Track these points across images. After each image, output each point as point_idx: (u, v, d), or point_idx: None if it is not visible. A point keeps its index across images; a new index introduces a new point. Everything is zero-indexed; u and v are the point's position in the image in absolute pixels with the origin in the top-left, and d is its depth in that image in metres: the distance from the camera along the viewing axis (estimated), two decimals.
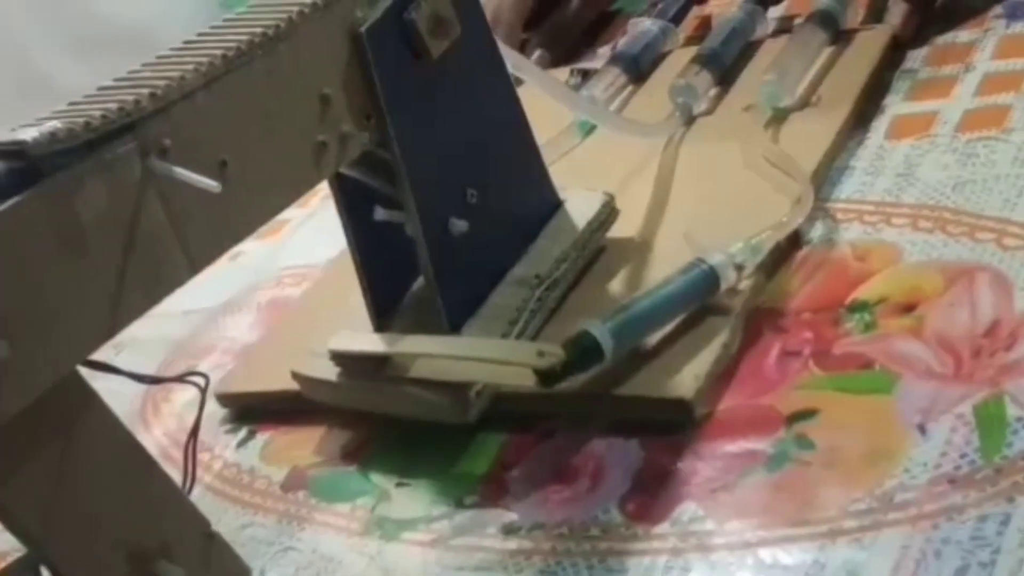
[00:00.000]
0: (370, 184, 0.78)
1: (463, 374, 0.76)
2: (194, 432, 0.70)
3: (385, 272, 0.83)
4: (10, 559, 0.62)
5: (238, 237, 0.67)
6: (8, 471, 0.58)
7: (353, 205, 0.80)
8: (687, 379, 0.73)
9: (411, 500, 0.77)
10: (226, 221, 0.65)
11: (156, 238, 0.60)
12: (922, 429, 0.65)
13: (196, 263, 0.63)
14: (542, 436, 0.77)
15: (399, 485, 0.78)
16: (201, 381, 0.69)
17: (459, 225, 0.78)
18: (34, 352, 0.55)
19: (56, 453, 0.59)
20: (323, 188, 1.10)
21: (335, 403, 0.83)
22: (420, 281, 0.84)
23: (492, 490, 0.75)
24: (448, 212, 0.78)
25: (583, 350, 0.72)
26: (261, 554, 0.69)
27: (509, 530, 0.71)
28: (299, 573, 0.75)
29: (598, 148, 1.00)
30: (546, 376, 0.71)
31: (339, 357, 0.80)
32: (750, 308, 0.78)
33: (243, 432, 0.90)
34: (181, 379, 0.69)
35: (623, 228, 0.87)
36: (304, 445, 0.85)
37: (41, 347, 0.55)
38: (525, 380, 0.72)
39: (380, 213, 0.80)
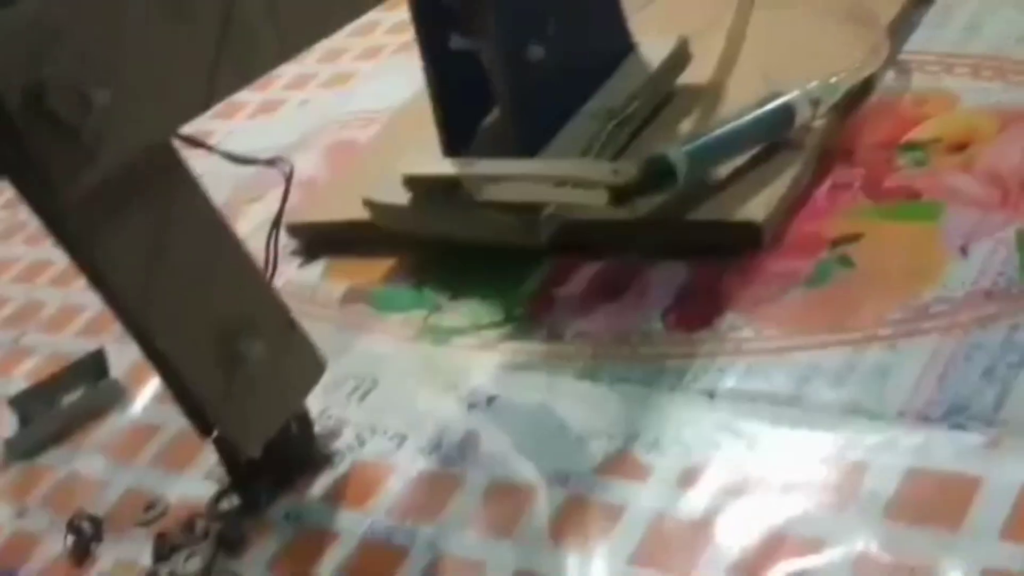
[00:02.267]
0: (450, 5, 0.78)
1: (535, 195, 0.77)
2: (276, 222, 0.71)
3: (459, 104, 0.83)
4: None
5: (327, 31, 0.67)
6: (104, 233, 0.59)
7: (431, 33, 0.81)
8: (759, 205, 0.73)
9: (462, 311, 0.79)
10: (319, 13, 0.65)
11: (254, 18, 0.61)
12: (963, 251, 0.66)
13: (286, 49, 0.64)
14: (593, 260, 0.78)
15: (452, 299, 0.81)
16: (287, 168, 0.70)
17: (536, 51, 0.78)
18: (134, 106, 0.56)
19: (150, 222, 0.61)
20: (392, 43, 1.17)
21: (404, 229, 0.84)
22: (492, 116, 0.85)
23: (540, 304, 0.77)
24: (527, 38, 0.78)
25: (657, 170, 0.73)
26: (330, 355, 0.70)
27: (553, 337, 0.73)
28: (354, 370, 0.78)
29: (674, 2, 0.99)
30: (619, 194, 0.72)
31: (412, 182, 0.81)
32: (821, 145, 0.78)
33: (307, 257, 0.92)
34: (270, 163, 0.70)
35: (696, 75, 0.87)
36: (365, 268, 0.88)
37: (141, 103, 0.56)
38: (597, 200, 0.73)
39: (457, 41, 0.80)
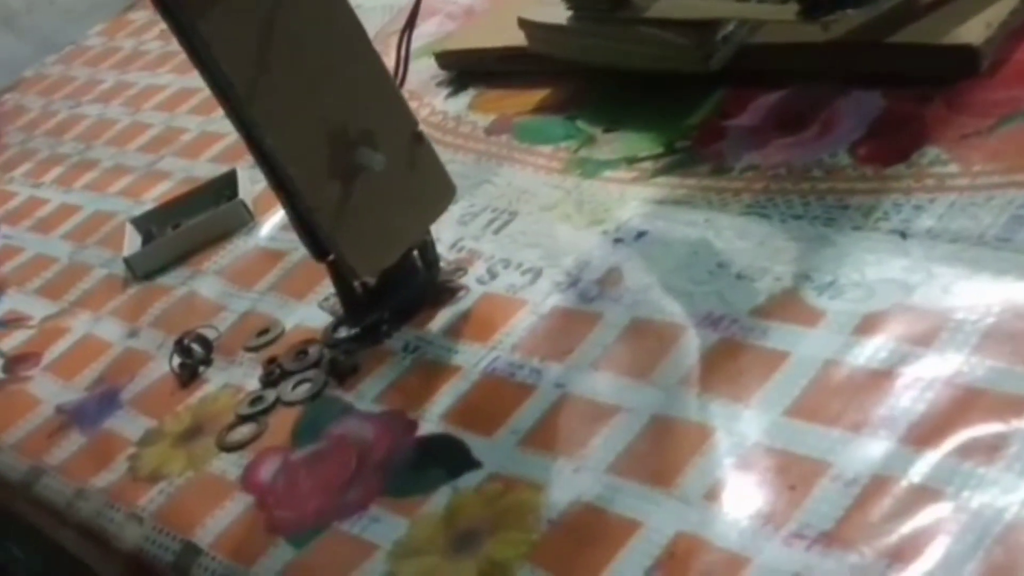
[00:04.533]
0: None
1: (713, 10, 0.69)
2: (410, 23, 0.64)
3: None
4: None
5: None
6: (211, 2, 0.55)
7: None
8: (977, 26, 0.63)
9: (617, 144, 0.72)
10: None
11: None
12: None
13: None
14: (772, 89, 0.70)
15: (607, 131, 0.74)
16: None
17: None
18: None
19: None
20: None
21: (560, 53, 0.77)
22: None
23: (706, 137, 0.69)
24: None
25: None
26: (458, 185, 0.66)
27: (719, 170, 0.66)
28: (492, 202, 0.72)
29: None
30: (812, 7, 0.63)
31: None
32: None
33: (455, 86, 0.86)
34: None
35: None
36: (514, 98, 0.81)
37: None
38: (785, 15, 0.65)
39: None
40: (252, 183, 0.85)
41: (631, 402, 0.54)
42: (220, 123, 0.90)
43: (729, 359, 0.53)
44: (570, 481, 0.51)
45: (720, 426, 0.50)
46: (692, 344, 0.55)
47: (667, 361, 0.55)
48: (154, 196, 0.91)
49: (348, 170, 0.60)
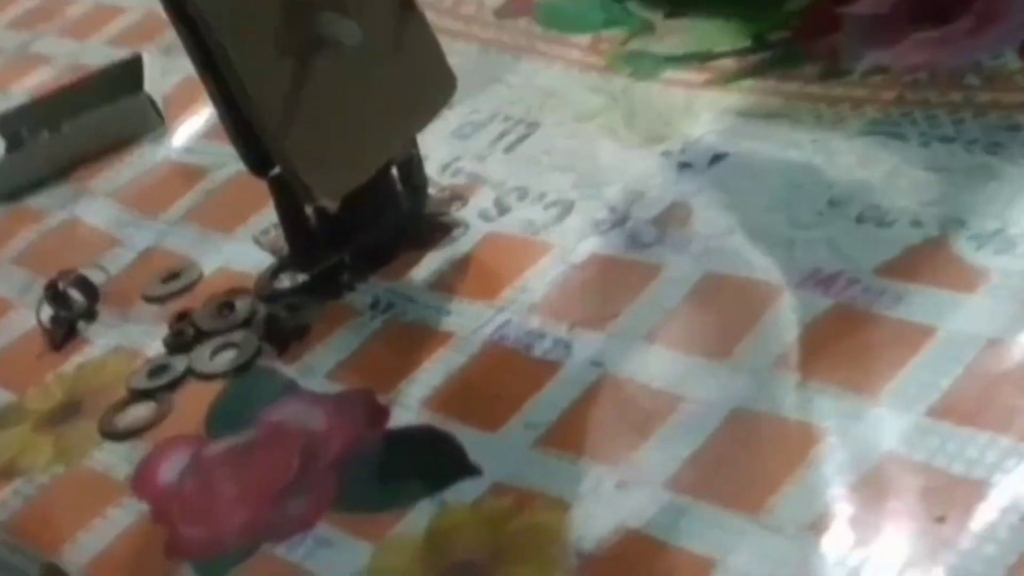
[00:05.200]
0: None
1: None
2: None
3: None
4: None
5: None
6: None
7: None
8: None
9: (685, 33, 0.72)
10: None
11: None
12: None
13: None
14: None
15: (670, 15, 0.74)
16: None
17: None
18: None
19: None
20: None
21: None
22: None
23: (814, 27, 0.69)
24: None
25: None
26: (460, 86, 0.66)
27: (832, 73, 0.66)
28: (503, 108, 0.72)
29: None
30: None
31: None
32: None
33: None
34: None
35: None
36: None
37: None
38: None
39: None
40: (164, 74, 0.85)
41: (702, 390, 0.53)
42: None
43: (846, 334, 0.52)
44: (612, 499, 0.50)
45: (833, 428, 0.49)
46: (791, 312, 0.54)
47: (755, 334, 0.54)
48: (26, 88, 0.91)
49: (306, 44, 0.60)
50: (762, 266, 0.56)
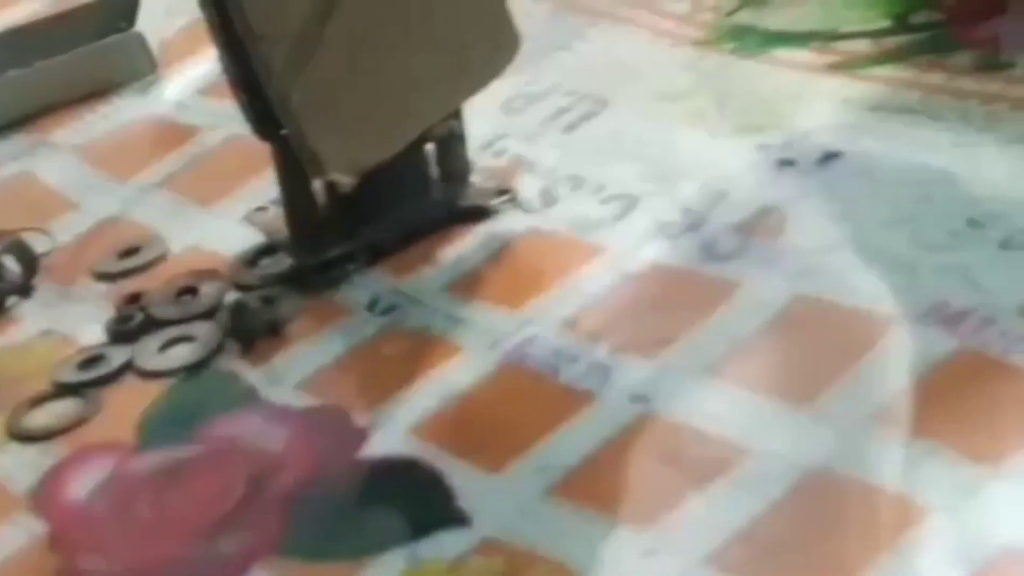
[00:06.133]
0: None
1: None
2: None
3: None
4: None
5: None
6: None
7: None
8: None
9: (803, 7, 0.72)
10: None
11: None
12: None
13: None
14: None
15: None
16: None
17: None
18: None
19: None
20: None
21: None
22: None
23: (968, 8, 0.68)
24: None
25: None
26: (524, 53, 0.66)
27: (989, 66, 0.64)
28: (566, 80, 0.72)
29: None
30: None
31: None
32: None
33: None
34: None
35: None
36: None
37: None
38: None
39: None
40: (168, 15, 0.85)
41: (772, 443, 0.51)
42: None
43: (970, 386, 0.51)
44: (633, 570, 0.47)
45: (940, 505, 0.47)
46: (903, 353, 0.53)
47: (851, 378, 0.52)
48: (7, 21, 0.92)
49: None
50: (872, 293, 0.55)
